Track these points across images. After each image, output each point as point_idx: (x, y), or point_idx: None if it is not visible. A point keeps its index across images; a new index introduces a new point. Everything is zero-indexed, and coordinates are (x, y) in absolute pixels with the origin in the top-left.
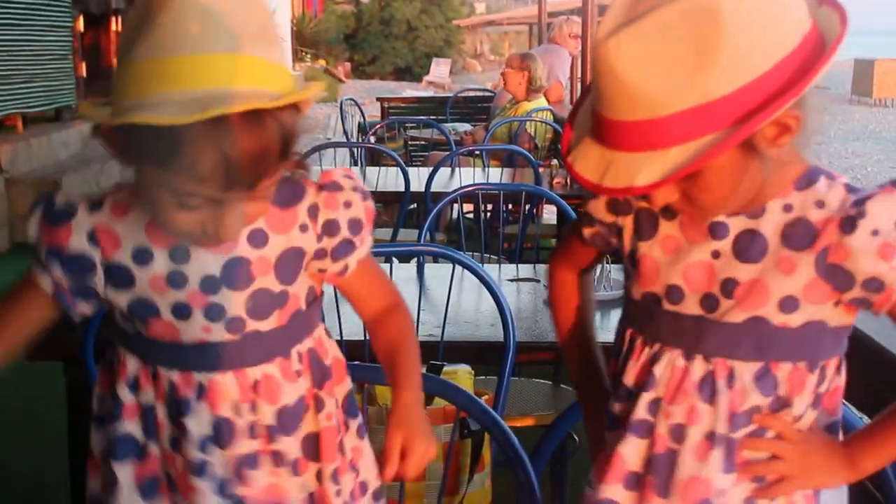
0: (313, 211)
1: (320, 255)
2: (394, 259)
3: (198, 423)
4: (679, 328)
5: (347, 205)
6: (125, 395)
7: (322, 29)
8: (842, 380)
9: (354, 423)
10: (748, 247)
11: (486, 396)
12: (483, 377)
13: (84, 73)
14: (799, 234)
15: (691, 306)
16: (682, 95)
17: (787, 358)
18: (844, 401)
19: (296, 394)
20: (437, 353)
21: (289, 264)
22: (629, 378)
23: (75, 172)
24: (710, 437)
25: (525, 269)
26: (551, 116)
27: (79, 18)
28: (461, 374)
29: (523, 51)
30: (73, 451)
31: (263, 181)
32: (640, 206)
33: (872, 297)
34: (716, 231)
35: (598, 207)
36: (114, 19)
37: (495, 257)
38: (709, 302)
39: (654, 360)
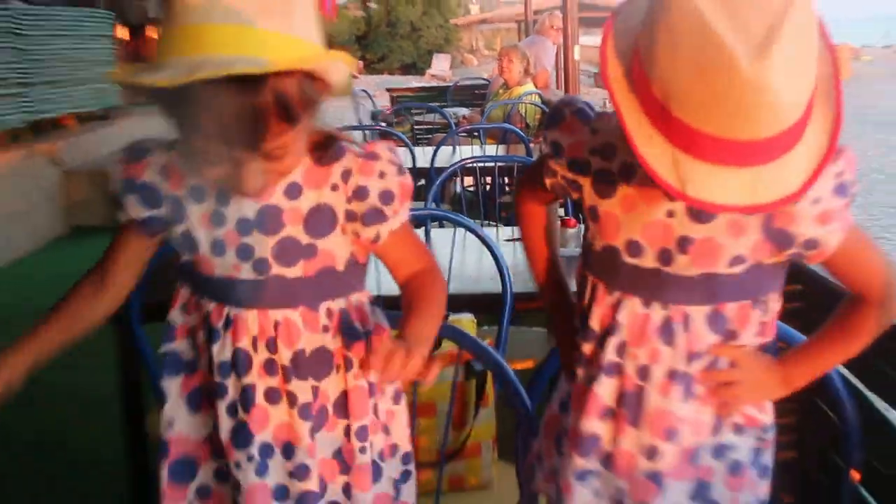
0: (347, 174)
1: (351, 217)
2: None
3: (221, 351)
4: (638, 279)
5: (381, 175)
6: (177, 317)
7: (335, 32)
8: (778, 306)
9: (391, 388)
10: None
11: (487, 340)
12: (485, 327)
13: None
14: None
15: (649, 260)
16: (809, 89)
17: (734, 299)
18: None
19: (316, 344)
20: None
21: (319, 219)
22: (595, 322)
23: None
24: (672, 375)
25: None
26: (539, 99)
27: (119, 28)
28: (465, 321)
29: (512, 43)
30: (125, 403)
31: (268, 142)
32: (598, 168)
33: (806, 254)
34: None
35: (560, 166)
36: (150, 28)
37: (494, 223)
38: (665, 256)
39: (616, 306)
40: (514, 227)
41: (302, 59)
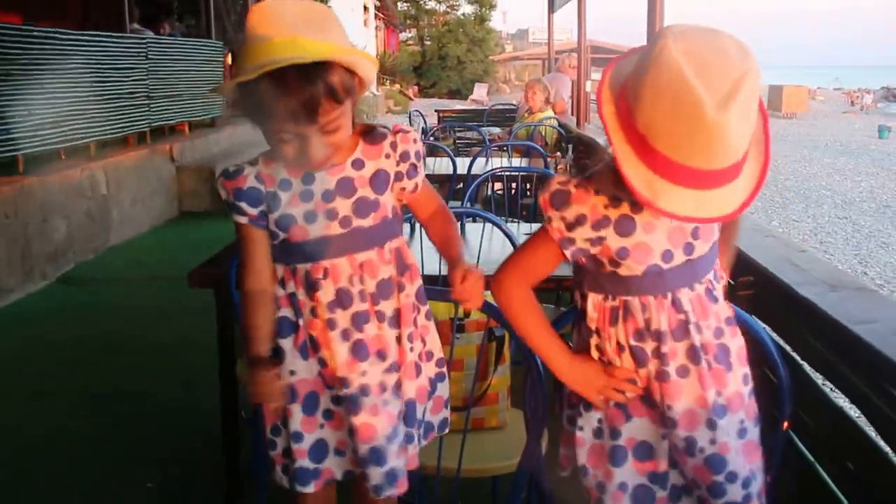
0: (394, 145)
1: (399, 177)
2: None
3: (326, 293)
4: (679, 276)
5: (414, 141)
6: (279, 291)
7: (398, 62)
8: None
9: (424, 308)
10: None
11: None
12: None
13: None
14: None
15: (679, 257)
16: (749, 136)
17: (709, 271)
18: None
19: (388, 273)
20: None
21: (379, 181)
22: (664, 325)
23: (223, 161)
24: (729, 322)
25: (536, 227)
26: (556, 122)
27: (227, 55)
28: (488, 296)
29: (537, 77)
30: (221, 353)
31: (323, 117)
32: (616, 216)
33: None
34: None
35: (583, 232)
36: None
37: (516, 220)
38: (689, 248)
39: (675, 303)
40: (532, 224)
41: (334, 52)
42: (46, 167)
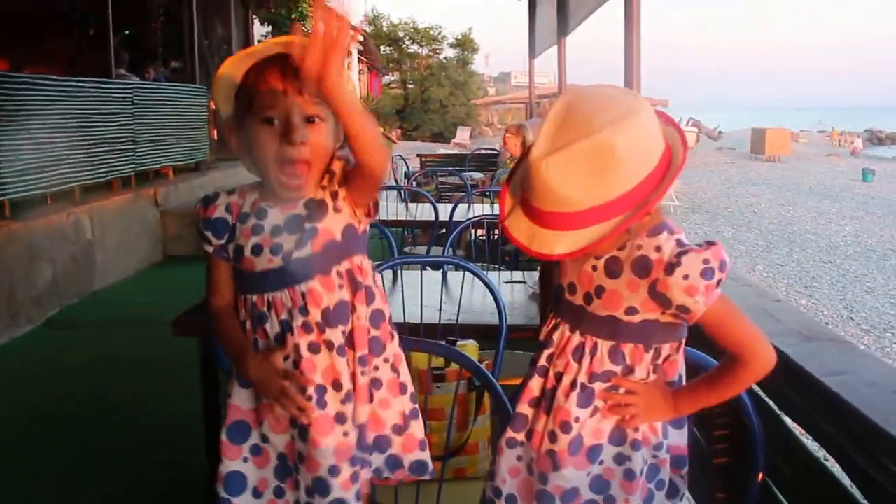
0: (331, 174)
1: (335, 196)
2: (427, 267)
3: (271, 327)
4: (571, 311)
5: (347, 161)
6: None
7: (380, 105)
8: (679, 356)
9: (396, 337)
10: (612, 267)
11: (486, 362)
12: (487, 350)
13: (214, 137)
14: (641, 266)
15: (579, 299)
16: (589, 198)
17: (631, 341)
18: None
19: (336, 299)
20: (454, 332)
21: (314, 208)
22: (542, 335)
23: None
24: (573, 384)
25: (518, 275)
26: None
27: (212, 100)
28: (469, 346)
29: (517, 122)
30: (206, 400)
31: (305, 95)
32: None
33: (682, 316)
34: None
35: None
36: None
37: (498, 267)
38: (588, 298)
39: (555, 327)
40: (514, 272)
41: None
42: (32, 212)
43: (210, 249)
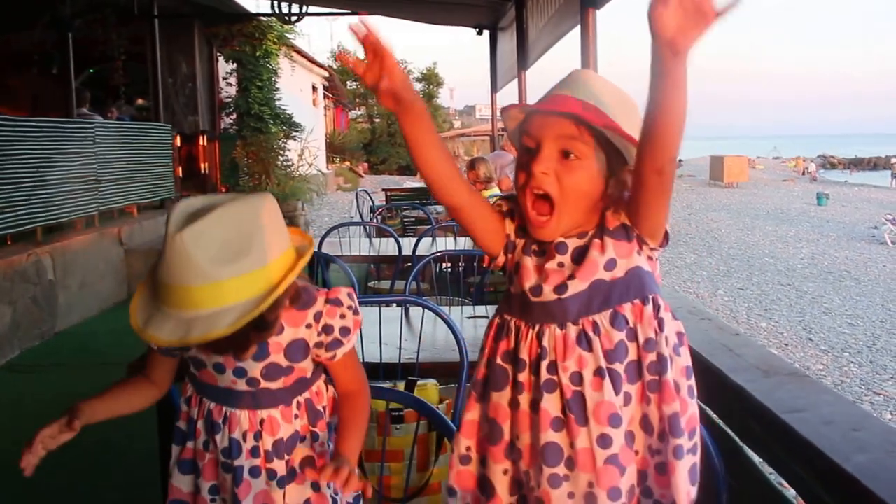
0: (318, 316)
1: (318, 346)
2: (388, 305)
3: (221, 440)
4: (547, 312)
5: (342, 316)
6: (183, 405)
7: (347, 140)
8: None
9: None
10: (581, 255)
11: (448, 401)
12: (446, 386)
13: (180, 174)
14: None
15: (549, 294)
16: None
17: (626, 299)
18: None
19: (291, 430)
20: (415, 370)
21: (296, 350)
22: (524, 354)
23: None
24: (599, 373)
25: (481, 309)
26: None
27: (176, 137)
28: (430, 387)
29: (475, 156)
30: (162, 446)
31: (252, 344)
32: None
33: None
34: (559, 249)
35: (509, 225)
36: (201, 137)
37: (461, 301)
38: (560, 288)
39: (539, 336)
40: (478, 306)
41: (261, 291)
42: None
43: (153, 347)
